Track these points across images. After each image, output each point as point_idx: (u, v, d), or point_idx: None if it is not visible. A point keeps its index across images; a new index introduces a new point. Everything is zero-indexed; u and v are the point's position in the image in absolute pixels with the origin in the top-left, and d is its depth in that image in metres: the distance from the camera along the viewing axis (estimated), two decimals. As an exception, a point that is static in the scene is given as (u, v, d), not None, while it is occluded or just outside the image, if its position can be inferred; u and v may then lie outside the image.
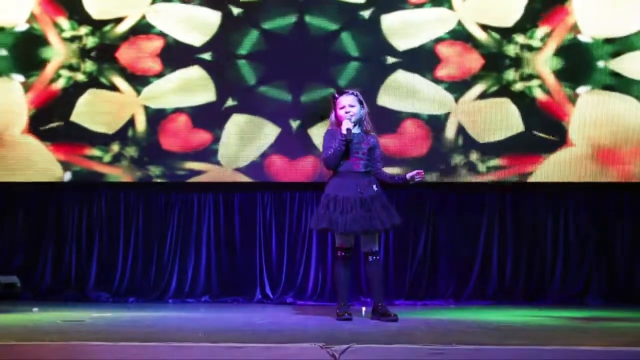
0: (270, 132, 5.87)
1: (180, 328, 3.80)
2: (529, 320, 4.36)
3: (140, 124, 5.91)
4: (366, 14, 5.90)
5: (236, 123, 5.88)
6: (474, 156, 5.80)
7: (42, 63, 5.96)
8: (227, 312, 5.06)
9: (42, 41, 5.98)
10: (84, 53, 5.95)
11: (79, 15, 5.98)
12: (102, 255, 6.05)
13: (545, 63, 5.82)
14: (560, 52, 5.81)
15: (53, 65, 5.96)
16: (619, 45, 5.80)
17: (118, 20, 5.96)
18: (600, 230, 5.91)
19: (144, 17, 5.96)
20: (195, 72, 5.91)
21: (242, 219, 6.05)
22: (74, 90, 5.93)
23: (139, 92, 5.91)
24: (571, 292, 5.83)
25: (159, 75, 5.92)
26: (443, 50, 5.87)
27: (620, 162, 5.75)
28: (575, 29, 5.82)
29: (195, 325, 3.96)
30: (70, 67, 5.96)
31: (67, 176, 5.92)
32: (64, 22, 5.99)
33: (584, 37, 5.81)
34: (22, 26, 6.01)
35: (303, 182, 5.90)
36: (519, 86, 5.83)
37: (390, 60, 5.85)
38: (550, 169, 5.76)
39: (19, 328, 3.74)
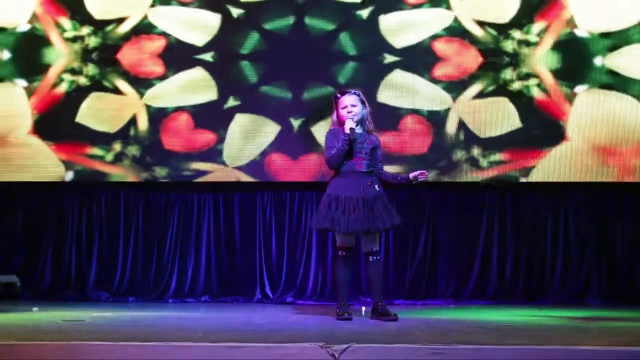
0: (272, 130, 5.87)
1: (180, 328, 3.80)
2: (529, 320, 4.36)
3: (142, 123, 5.91)
4: (364, 14, 5.89)
5: (240, 123, 5.88)
6: (475, 151, 5.80)
7: (44, 67, 5.95)
8: (227, 311, 5.06)
9: (44, 41, 5.98)
10: (86, 53, 5.95)
11: (81, 16, 5.98)
12: (102, 255, 6.05)
13: (542, 59, 5.82)
14: (557, 47, 5.82)
15: (55, 69, 5.96)
16: (616, 39, 5.80)
17: (120, 21, 5.96)
18: (600, 230, 5.91)
19: (145, 17, 5.96)
20: (197, 74, 5.91)
21: (242, 219, 6.05)
22: (77, 94, 5.93)
23: (142, 95, 5.92)
24: (571, 292, 5.83)
25: (162, 77, 5.92)
26: (440, 47, 5.87)
27: (618, 160, 5.74)
28: (571, 23, 5.83)
29: (195, 325, 3.96)
30: (73, 71, 5.95)
31: (69, 175, 5.91)
32: (65, 22, 5.99)
33: (581, 32, 5.82)
34: (24, 26, 6.01)
35: (303, 182, 5.90)
36: (516, 85, 5.83)
37: (388, 58, 5.86)
38: (551, 162, 5.75)
39: (19, 328, 3.74)
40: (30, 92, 5.95)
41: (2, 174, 5.92)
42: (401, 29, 5.88)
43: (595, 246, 5.90)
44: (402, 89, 5.84)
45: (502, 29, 5.85)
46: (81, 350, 2.97)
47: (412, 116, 5.84)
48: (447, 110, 5.83)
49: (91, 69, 5.95)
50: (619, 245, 5.90)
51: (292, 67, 5.90)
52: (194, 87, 5.91)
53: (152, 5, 5.96)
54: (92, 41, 5.96)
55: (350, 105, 4.39)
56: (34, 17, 6.00)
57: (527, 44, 5.84)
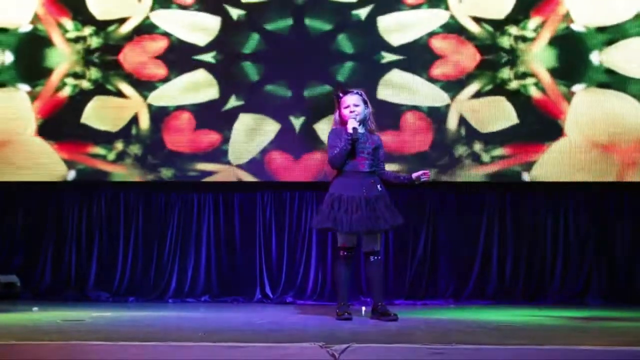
0: (274, 129, 5.87)
1: (180, 328, 3.80)
2: (529, 320, 4.35)
3: (144, 122, 5.91)
4: (362, 14, 5.90)
5: (243, 122, 5.88)
6: (477, 146, 5.80)
7: (47, 71, 5.95)
8: (227, 311, 5.06)
9: (46, 42, 5.98)
10: (88, 54, 5.95)
11: (83, 16, 5.98)
12: (102, 255, 6.05)
13: (539, 55, 5.81)
14: (554, 42, 5.82)
15: (58, 74, 5.96)
16: (613, 34, 5.81)
17: (122, 21, 5.97)
18: (600, 230, 5.91)
19: (147, 18, 5.96)
20: (200, 75, 5.91)
21: (242, 219, 6.05)
22: (81, 98, 5.93)
23: (145, 98, 5.92)
24: (571, 292, 5.83)
25: (165, 80, 5.92)
26: (437, 44, 5.87)
27: (618, 159, 5.74)
28: (567, 18, 5.83)
29: (195, 325, 3.96)
30: (75, 75, 5.95)
31: (72, 175, 5.92)
32: (67, 22, 6.00)
33: (577, 27, 5.82)
34: (25, 27, 6.01)
35: (304, 182, 5.89)
36: (514, 84, 5.83)
37: (386, 57, 5.86)
38: (551, 159, 5.74)
39: (19, 328, 3.74)
40: (33, 96, 5.95)
41: (3, 174, 5.92)
42: (398, 26, 5.88)
43: (595, 246, 5.89)
44: (400, 88, 5.84)
45: (499, 25, 5.86)
46: (81, 350, 2.97)
47: (412, 112, 5.84)
48: (447, 107, 5.83)
49: (94, 73, 5.94)
50: (619, 245, 5.90)
51: (293, 67, 5.90)
52: (196, 87, 5.91)
53: (152, 9, 5.95)
54: (94, 41, 5.97)
55: (353, 105, 4.39)
56: (36, 18, 6.00)
57: (524, 39, 5.85)
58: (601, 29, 5.81)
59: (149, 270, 6.01)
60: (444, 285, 5.90)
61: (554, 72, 5.81)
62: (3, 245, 6.08)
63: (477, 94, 5.84)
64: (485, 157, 5.80)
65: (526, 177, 5.78)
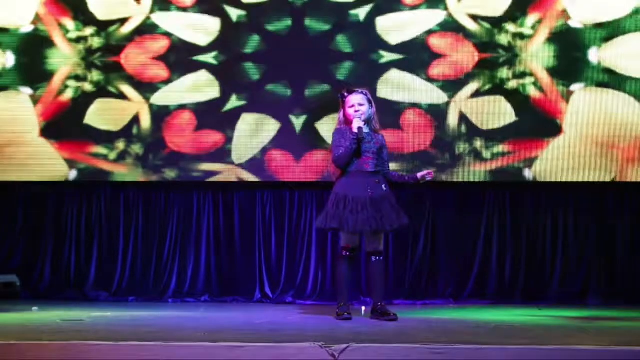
0: (275, 129, 5.87)
1: (180, 327, 3.80)
2: (529, 320, 4.36)
3: (145, 121, 5.91)
4: (361, 14, 5.90)
5: (246, 122, 5.88)
6: (478, 143, 5.80)
7: (48, 74, 5.93)
8: (227, 311, 5.06)
9: (48, 42, 5.97)
10: (89, 54, 5.94)
11: (84, 16, 5.97)
12: (101, 255, 6.04)
13: (538, 52, 5.80)
14: (552, 39, 5.82)
15: (60, 77, 5.94)
16: (610, 30, 5.80)
17: (123, 21, 5.96)
18: (600, 230, 5.91)
19: (149, 18, 5.95)
20: (202, 76, 5.91)
21: (242, 218, 6.04)
22: (83, 100, 5.92)
23: (147, 99, 5.91)
24: (571, 292, 5.83)
25: (167, 81, 5.91)
26: (435, 42, 5.87)
27: (617, 158, 5.74)
28: (565, 15, 5.83)
29: (195, 324, 3.96)
30: (77, 78, 5.94)
31: (73, 174, 5.91)
32: (69, 22, 5.98)
33: (574, 23, 5.82)
34: (27, 27, 6.00)
35: (305, 182, 5.89)
36: (512, 84, 5.83)
37: (384, 56, 5.86)
38: (553, 154, 5.73)
39: (19, 327, 3.74)
40: (35, 100, 5.94)
41: (5, 174, 5.92)
42: (396, 25, 5.87)
43: (595, 246, 5.89)
44: (399, 87, 5.84)
45: (496, 23, 5.86)
46: (81, 350, 2.97)
47: (412, 110, 5.84)
48: (447, 104, 5.83)
49: (96, 75, 5.94)
50: (619, 245, 5.90)
51: (293, 67, 5.90)
52: (198, 87, 5.90)
53: (152, 12, 5.95)
54: (96, 42, 5.96)
55: (358, 105, 4.39)
56: (37, 18, 5.99)
57: (522, 36, 5.84)
58: (598, 25, 5.81)
59: (149, 270, 6.01)
60: (443, 285, 5.90)
61: (552, 71, 5.81)
62: (2, 245, 6.07)
63: (476, 94, 5.83)
64: (487, 154, 5.80)
65: (528, 173, 5.77)
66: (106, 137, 5.90)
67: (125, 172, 5.90)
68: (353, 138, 4.30)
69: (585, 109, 5.77)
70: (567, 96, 5.79)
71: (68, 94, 5.94)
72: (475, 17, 5.86)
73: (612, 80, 5.78)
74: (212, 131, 5.88)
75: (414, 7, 5.90)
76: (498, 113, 5.81)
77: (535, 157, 5.76)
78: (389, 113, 5.74)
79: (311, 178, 5.85)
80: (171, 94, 5.90)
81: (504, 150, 5.79)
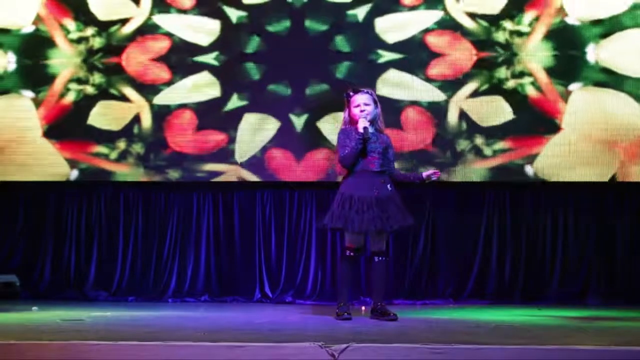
0: (277, 128, 5.86)
1: (180, 327, 3.80)
2: (528, 320, 4.36)
3: (146, 121, 5.91)
4: (360, 14, 5.90)
5: (248, 122, 5.87)
6: (479, 140, 5.80)
7: (50, 77, 5.93)
8: (226, 311, 5.06)
9: (49, 43, 5.96)
10: (90, 55, 5.94)
11: (85, 16, 5.97)
12: (101, 254, 6.04)
13: (535, 50, 5.79)
14: (549, 36, 5.81)
15: (61, 79, 5.93)
16: (608, 26, 5.79)
17: (124, 21, 5.95)
18: (600, 230, 5.91)
19: (150, 18, 5.95)
20: (204, 77, 5.90)
21: (242, 218, 6.04)
22: (85, 103, 5.91)
23: (150, 101, 5.91)
24: (570, 292, 5.83)
25: (169, 83, 5.90)
26: (432, 40, 5.86)
27: (617, 157, 5.73)
28: (562, 12, 5.83)
29: (195, 324, 3.96)
30: (79, 81, 5.94)
31: (74, 174, 5.91)
32: (70, 23, 5.98)
33: (571, 20, 5.81)
34: (28, 28, 6.00)
35: (305, 181, 5.89)
36: (511, 84, 5.83)
37: (382, 55, 5.85)
38: (552, 153, 5.73)
39: (19, 327, 3.74)
40: (37, 103, 5.93)
41: (7, 174, 5.91)
42: (394, 24, 5.87)
43: (595, 246, 5.89)
44: (399, 87, 5.84)
45: (493, 20, 5.85)
46: (81, 350, 2.97)
47: (412, 108, 5.83)
48: (447, 102, 5.82)
49: (97, 78, 5.93)
50: (619, 246, 5.90)
51: (293, 66, 5.89)
52: (199, 88, 5.90)
53: (152, 14, 5.95)
54: (97, 42, 5.96)
55: (363, 104, 4.40)
56: (38, 19, 5.98)
57: (519, 34, 5.84)
58: (596, 22, 5.81)
59: (149, 270, 6.01)
60: (443, 285, 5.90)
61: (550, 71, 5.80)
62: (3, 245, 6.07)
63: (475, 94, 5.83)
64: (488, 151, 5.80)
65: (529, 169, 5.77)
66: (107, 137, 5.89)
67: (126, 172, 5.90)
68: (359, 138, 4.30)
69: (583, 109, 5.77)
70: (565, 96, 5.79)
71: (70, 97, 5.94)
72: (472, 15, 5.86)
73: (611, 79, 5.77)
74: (215, 131, 5.88)
75: (413, 8, 5.91)
76: (497, 113, 5.81)
77: (536, 154, 5.75)
78: (389, 111, 5.74)
79: (312, 178, 5.85)
80: (173, 95, 5.90)
81: (504, 147, 5.79)
